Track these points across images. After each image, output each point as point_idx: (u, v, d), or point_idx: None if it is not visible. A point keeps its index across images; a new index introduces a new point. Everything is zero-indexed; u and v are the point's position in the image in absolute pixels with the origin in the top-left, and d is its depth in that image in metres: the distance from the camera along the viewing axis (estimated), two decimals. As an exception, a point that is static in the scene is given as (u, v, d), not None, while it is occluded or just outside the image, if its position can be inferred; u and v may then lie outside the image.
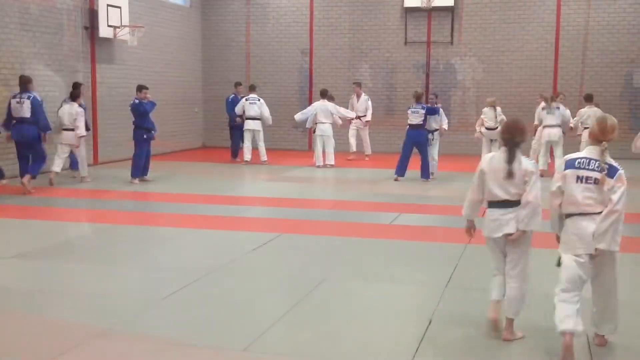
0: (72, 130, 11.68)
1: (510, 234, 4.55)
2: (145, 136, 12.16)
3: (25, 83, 11.08)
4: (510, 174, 4.53)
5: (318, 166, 14.49)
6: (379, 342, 4.60)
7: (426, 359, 4.32)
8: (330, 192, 11.36)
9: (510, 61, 17.50)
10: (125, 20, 14.88)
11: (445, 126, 13.09)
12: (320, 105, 14.64)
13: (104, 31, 14.45)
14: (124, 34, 14.93)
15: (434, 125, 12.86)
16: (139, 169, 12.16)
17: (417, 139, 12.56)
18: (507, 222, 4.55)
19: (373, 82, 18.34)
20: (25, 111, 10.81)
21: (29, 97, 10.89)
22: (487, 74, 17.64)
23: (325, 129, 14.50)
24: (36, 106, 10.87)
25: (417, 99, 12.72)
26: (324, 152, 14.55)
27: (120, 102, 14.86)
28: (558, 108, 13.09)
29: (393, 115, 18.18)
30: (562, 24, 17.15)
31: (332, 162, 14.54)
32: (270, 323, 4.91)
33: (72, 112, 11.70)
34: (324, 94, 14.83)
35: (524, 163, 4.57)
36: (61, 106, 12.00)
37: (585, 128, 12.82)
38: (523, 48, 17.43)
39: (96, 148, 14.81)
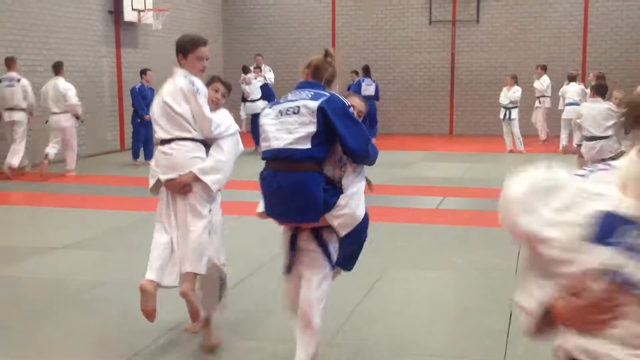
0: None
1: None
2: (139, 120, 12.50)
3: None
4: None
5: None
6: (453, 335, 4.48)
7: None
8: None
9: (537, 39, 17.23)
10: (150, 4, 14.68)
11: None
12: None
13: (128, 15, 14.27)
14: (148, 18, 14.74)
15: None
16: (137, 151, 12.64)
17: None
18: None
19: (396, 63, 18.11)
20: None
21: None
22: (513, 52, 17.38)
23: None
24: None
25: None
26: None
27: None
28: None
29: (417, 96, 17.98)
30: (591, 1, 16.84)
31: None
32: (345, 317, 4.80)
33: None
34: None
35: None
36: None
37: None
38: (550, 25, 17.15)
39: (123, 133, 14.72)
